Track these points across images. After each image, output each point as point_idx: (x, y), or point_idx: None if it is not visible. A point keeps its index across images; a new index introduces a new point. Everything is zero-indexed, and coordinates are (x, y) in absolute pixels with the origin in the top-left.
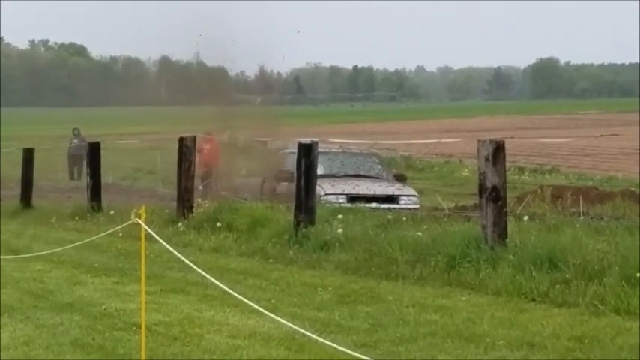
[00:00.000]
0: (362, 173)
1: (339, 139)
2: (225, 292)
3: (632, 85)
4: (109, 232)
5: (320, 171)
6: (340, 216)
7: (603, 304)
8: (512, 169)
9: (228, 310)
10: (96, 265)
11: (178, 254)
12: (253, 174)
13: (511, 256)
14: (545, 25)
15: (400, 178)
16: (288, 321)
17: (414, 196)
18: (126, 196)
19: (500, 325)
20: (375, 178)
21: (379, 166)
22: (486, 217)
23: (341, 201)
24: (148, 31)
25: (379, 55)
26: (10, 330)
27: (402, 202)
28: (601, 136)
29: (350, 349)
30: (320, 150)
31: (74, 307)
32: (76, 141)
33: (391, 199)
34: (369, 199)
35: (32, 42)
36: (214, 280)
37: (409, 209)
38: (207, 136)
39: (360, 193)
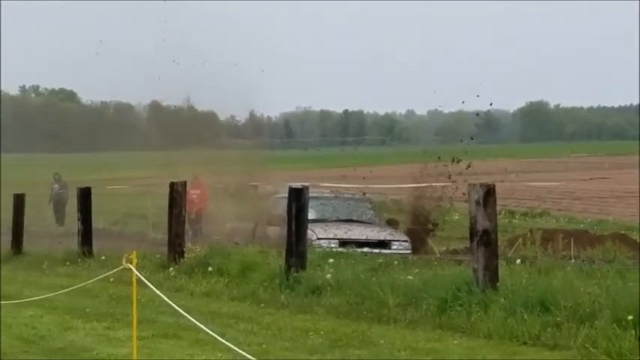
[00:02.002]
0: (354, 218)
1: (329, 184)
2: (217, 337)
3: (621, 128)
4: (101, 277)
5: (312, 215)
6: (331, 260)
7: (595, 347)
8: (503, 212)
9: (220, 355)
10: (87, 310)
11: (169, 300)
12: (245, 218)
13: (502, 300)
14: (535, 69)
15: (392, 223)
16: None
17: (406, 241)
18: (117, 240)
19: None
20: (368, 222)
21: (371, 211)
22: (477, 261)
23: (333, 245)
24: (138, 76)
25: (369, 99)
26: None
27: (393, 247)
28: (591, 179)
29: None
30: (312, 194)
31: (66, 352)
32: (56, 186)
33: (383, 244)
34: (361, 244)
35: (23, 87)
36: (204, 328)
37: (401, 254)
38: (196, 180)
39: (352, 237)
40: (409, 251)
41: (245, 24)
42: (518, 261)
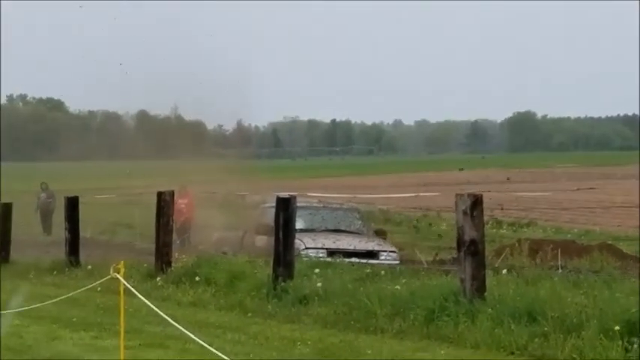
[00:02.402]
0: (342, 228)
1: (317, 193)
2: (204, 346)
3: (608, 138)
4: (88, 287)
5: (300, 225)
6: (319, 270)
7: (582, 358)
8: (490, 222)
9: None
10: (74, 319)
11: (156, 309)
12: (233, 228)
13: (490, 310)
14: (522, 79)
15: (380, 234)
16: None
17: (394, 251)
18: (104, 250)
19: None
20: (356, 233)
21: (360, 221)
22: (465, 271)
23: (321, 255)
24: (125, 85)
25: (357, 109)
26: None
27: (381, 257)
28: (578, 189)
29: None
30: (301, 204)
31: None
32: (44, 195)
33: (371, 254)
34: (349, 254)
35: (10, 97)
36: (192, 336)
37: (389, 265)
38: (183, 190)
39: (341, 247)
40: (397, 262)
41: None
42: (505, 271)
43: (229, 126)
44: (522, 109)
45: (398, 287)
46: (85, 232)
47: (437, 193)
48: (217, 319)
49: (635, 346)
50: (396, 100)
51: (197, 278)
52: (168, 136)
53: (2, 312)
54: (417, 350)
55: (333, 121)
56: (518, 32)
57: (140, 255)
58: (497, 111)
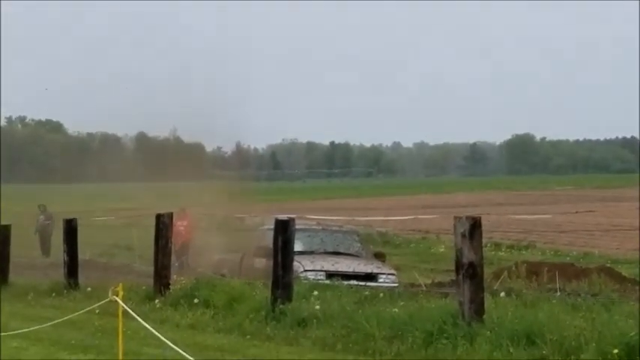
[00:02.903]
0: (341, 250)
1: (316, 215)
2: None
3: (607, 161)
4: (87, 309)
5: (299, 247)
6: (317, 292)
7: None
8: (489, 244)
9: None
10: (73, 342)
11: (155, 332)
12: (232, 250)
13: (488, 333)
14: (521, 102)
15: (379, 256)
16: None
17: (393, 274)
18: (103, 272)
19: None
20: (355, 255)
21: (359, 244)
22: (463, 294)
23: (320, 278)
24: (124, 107)
25: (356, 131)
26: None
27: (380, 280)
28: (577, 212)
29: None
30: (300, 227)
31: None
32: (42, 217)
33: (370, 276)
34: (348, 277)
35: (9, 118)
36: (191, 358)
37: (388, 287)
38: (182, 212)
39: (340, 270)
40: (396, 284)
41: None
42: (503, 294)
43: (228, 148)
44: (521, 132)
45: (396, 310)
46: (83, 255)
47: (435, 216)
48: (216, 342)
49: None
50: (395, 122)
51: (196, 300)
52: (167, 158)
53: (4, 333)
54: None
55: (332, 143)
56: (517, 54)
57: (139, 277)
58: (496, 133)
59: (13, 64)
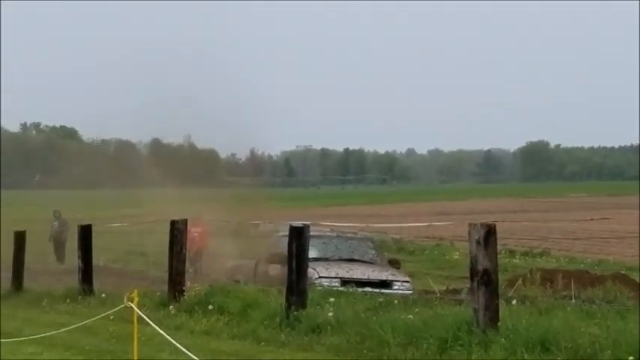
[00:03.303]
0: (356, 257)
1: (330, 222)
2: None
3: (621, 168)
4: (102, 315)
5: (314, 254)
6: (332, 299)
7: None
8: (504, 252)
9: None
10: (87, 347)
11: (170, 338)
12: (246, 256)
13: (503, 340)
14: (535, 109)
15: (394, 263)
16: None
17: (408, 281)
18: (117, 278)
19: None
20: (369, 262)
21: (373, 251)
22: (478, 301)
23: (335, 284)
24: (139, 114)
25: (370, 138)
26: None
27: (395, 287)
28: (591, 219)
29: None
30: (314, 233)
31: None
32: (56, 223)
33: (385, 284)
34: (363, 284)
35: (24, 125)
36: None
37: (402, 295)
38: (197, 218)
39: (354, 277)
40: (410, 292)
41: (247, 64)
42: (514, 302)
43: (242, 154)
44: (535, 139)
45: (411, 317)
46: (98, 261)
47: (450, 223)
48: (230, 348)
49: None
50: (409, 129)
51: (210, 307)
52: (182, 164)
53: (15, 339)
54: None
55: (346, 149)
56: (531, 61)
57: (153, 283)
58: (511, 140)
59: (26, 70)
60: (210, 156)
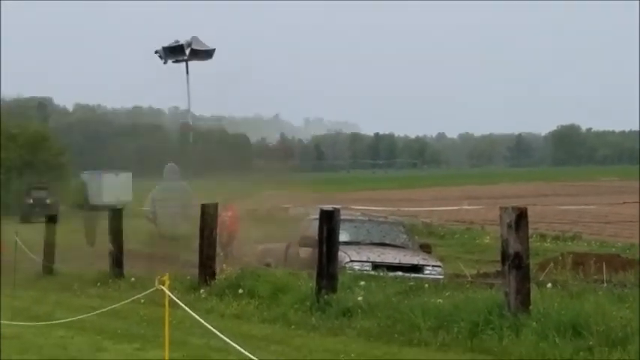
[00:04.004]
0: (387, 241)
1: (360, 206)
2: (247, 358)
3: None
4: (132, 299)
5: (345, 238)
6: (362, 283)
7: None
8: (535, 236)
9: None
10: (118, 331)
11: (202, 320)
12: (277, 240)
13: (534, 324)
14: (567, 92)
15: (425, 248)
16: None
17: (439, 266)
18: (147, 262)
19: None
20: (401, 247)
21: (405, 235)
22: (509, 284)
23: (366, 268)
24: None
25: (400, 122)
26: None
27: (426, 271)
28: (624, 203)
29: None
30: (346, 217)
31: None
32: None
33: (416, 268)
34: (394, 268)
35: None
36: (237, 347)
37: (433, 279)
38: (227, 202)
39: (385, 261)
40: (442, 276)
41: (278, 50)
42: (549, 284)
43: (272, 139)
44: (566, 123)
45: (441, 301)
46: (128, 244)
47: (481, 207)
48: (261, 332)
49: None
50: (440, 113)
51: (240, 290)
52: (212, 149)
53: (46, 323)
54: None
55: (377, 134)
56: (563, 45)
57: (184, 267)
58: (542, 124)
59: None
60: (241, 141)
